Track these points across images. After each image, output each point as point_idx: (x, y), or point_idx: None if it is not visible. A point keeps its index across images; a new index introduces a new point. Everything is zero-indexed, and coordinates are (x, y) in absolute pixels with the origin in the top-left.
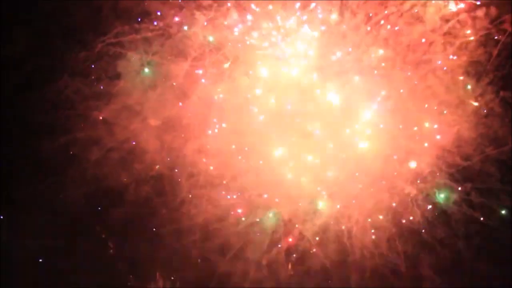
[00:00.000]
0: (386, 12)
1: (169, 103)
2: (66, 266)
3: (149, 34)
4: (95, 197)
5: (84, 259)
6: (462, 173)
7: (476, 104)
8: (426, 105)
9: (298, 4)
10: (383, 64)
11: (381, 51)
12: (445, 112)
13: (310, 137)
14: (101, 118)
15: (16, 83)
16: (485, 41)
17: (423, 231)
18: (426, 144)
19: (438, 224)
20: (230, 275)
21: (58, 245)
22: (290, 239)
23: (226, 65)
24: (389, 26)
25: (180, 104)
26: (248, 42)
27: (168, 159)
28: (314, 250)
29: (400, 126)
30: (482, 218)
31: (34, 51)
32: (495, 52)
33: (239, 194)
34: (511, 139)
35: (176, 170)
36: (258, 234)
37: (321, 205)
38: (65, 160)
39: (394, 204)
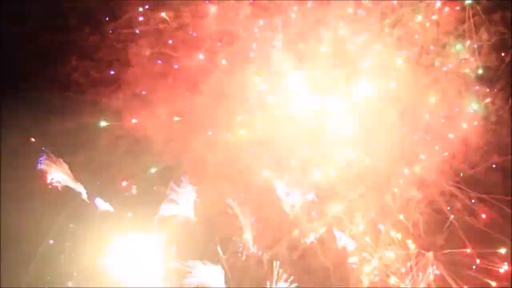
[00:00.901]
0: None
1: (179, 93)
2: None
3: (161, 24)
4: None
5: None
6: (466, 180)
7: (485, 109)
8: (435, 108)
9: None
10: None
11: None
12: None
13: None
14: (109, 104)
15: (26, 61)
16: (499, 46)
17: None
18: (432, 149)
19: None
20: None
21: None
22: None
23: (238, 58)
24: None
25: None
26: (261, 35)
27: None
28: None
29: (404, 129)
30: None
31: (45, 30)
32: (507, 58)
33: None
34: None
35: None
36: None
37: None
38: (72, 145)
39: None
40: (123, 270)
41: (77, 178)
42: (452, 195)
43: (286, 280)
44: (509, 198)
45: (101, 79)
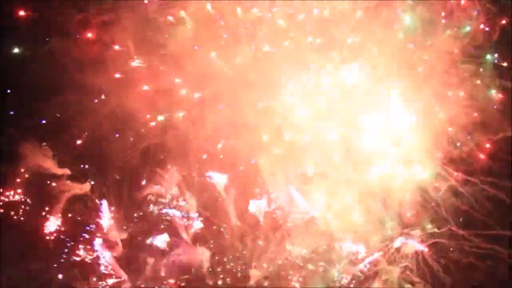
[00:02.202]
0: None
1: (163, 72)
2: None
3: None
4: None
5: None
6: (453, 160)
7: (474, 89)
8: (426, 87)
9: None
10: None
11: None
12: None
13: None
14: (93, 84)
15: (10, 42)
16: (489, 26)
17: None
18: (419, 128)
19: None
20: None
21: None
22: None
23: (224, 36)
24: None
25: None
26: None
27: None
28: None
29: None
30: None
31: (27, 10)
32: (495, 36)
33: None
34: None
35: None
36: None
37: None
38: (58, 125)
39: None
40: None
41: (61, 161)
42: (438, 175)
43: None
44: (494, 179)
45: (84, 59)
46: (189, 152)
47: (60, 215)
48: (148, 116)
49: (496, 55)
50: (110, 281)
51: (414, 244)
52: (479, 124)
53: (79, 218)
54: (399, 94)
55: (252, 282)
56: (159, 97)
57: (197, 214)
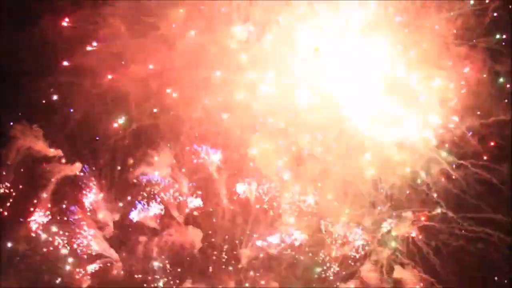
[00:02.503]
0: None
1: (156, 51)
2: None
3: None
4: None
5: None
6: (445, 143)
7: (465, 72)
8: (416, 69)
9: None
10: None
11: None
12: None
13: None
14: (85, 65)
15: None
16: (480, 8)
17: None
18: (411, 111)
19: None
20: None
21: None
22: None
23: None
24: None
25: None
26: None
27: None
28: None
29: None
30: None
31: None
32: (487, 19)
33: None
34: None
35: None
36: None
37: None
38: (49, 106)
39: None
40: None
41: (52, 142)
42: (430, 158)
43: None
44: (486, 162)
45: (75, 38)
46: (181, 133)
47: (51, 196)
48: (140, 97)
49: (488, 38)
50: (102, 262)
51: (404, 227)
52: (471, 108)
53: (70, 199)
54: (391, 77)
55: (243, 262)
56: (151, 78)
57: (189, 195)
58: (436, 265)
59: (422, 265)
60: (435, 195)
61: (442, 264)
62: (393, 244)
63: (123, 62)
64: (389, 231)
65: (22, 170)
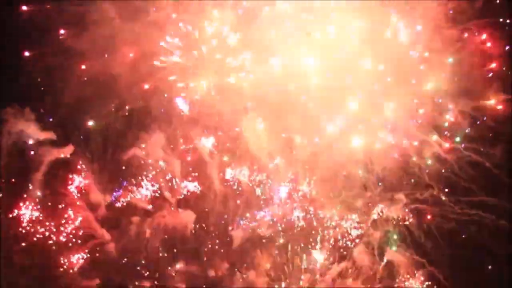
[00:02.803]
0: None
1: (147, 37)
2: None
3: None
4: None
5: None
6: (437, 127)
7: (459, 55)
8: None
9: None
10: None
11: None
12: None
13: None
14: (76, 48)
15: None
16: None
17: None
18: (402, 94)
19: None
20: None
21: None
22: None
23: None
24: None
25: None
26: None
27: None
28: None
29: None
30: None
31: None
32: (479, 3)
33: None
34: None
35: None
36: None
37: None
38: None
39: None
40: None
41: (45, 124)
42: (422, 141)
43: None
44: (478, 145)
45: (66, 20)
46: (173, 116)
47: (42, 178)
48: (132, 80)
49: (480, 21)
50: (93, 243)
51: (396, 209)
52: (463, 91)
53: (62, 182)
54: (383, 60)
55: (235, 244)
56: (142, 62)
57: (181, 177)
58: (428, 248)
59: (414, 247)
60: (427, 178)
61: (434, 246)
62: (385, 226)
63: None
64: (381, 213)
65: (13, 152)
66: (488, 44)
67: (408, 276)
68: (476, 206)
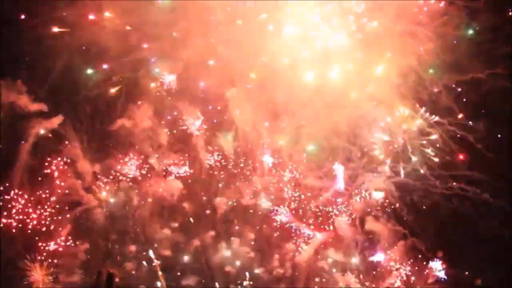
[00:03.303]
0: None
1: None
2: None
3: None
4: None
5: None
6: (422, 100)
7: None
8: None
9: None
10: None
11: None
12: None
13: None
14: (65, 18)
15: None
16: None
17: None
18: (389, 68)
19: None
20: None
21: None
22: None
23: None
24: None
25: None
26: None
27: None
28: None
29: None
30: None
31: None
32: None
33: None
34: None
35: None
36: None
37: None
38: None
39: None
40: None
41: (35, 96)
42: (406, 115)
43: None
44: (462, 120)
45: None
46: (161, 87)
47: (33, 149)
48: (121, 51)
49: None
50: (83, 208)
51: (379, 182)
52: (448, 64)
53: (52, 151)
54: (370, 33)
55: (220, 211)
56: (131, 32)
57: (168, 147)
58: (409, 219)
59: (396, 219)
60: (410, 151)
61: (417, 218)
62: (368, 198)
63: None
64: (364, 185)
65: (5, 123)
66: (474, 18)
67: (389, 246)
68: (459, 180)
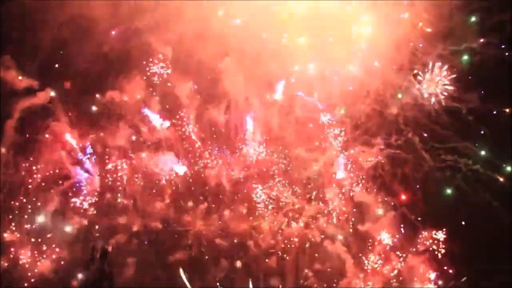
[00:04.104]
0: None
1: None
2: None
3: None
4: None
5: None
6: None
7: None
8: None
9: None
10: None
11: None
12: None
13: None
14: None
15: None
16: None
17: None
18: (383, 36)
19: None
20: None
21: None
22: None
23: None
24: None
25: None
26: None
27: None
28: None
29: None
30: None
31: None
32: None
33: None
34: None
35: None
36: None
37: None
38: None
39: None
40: None
41: (25, 71)
42: (400, 86)
43: None
44: (455, 90)
45: None
46: (152, 59)
47: (22, 125)
48: (112, 22)
49: None
50: (71, 182)
51: (371, 153)
52: (442, 33)
53: (39, 126)
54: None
55: (211, 184)
56: (120, 5)
57: (159, 121)
58: (400, 191)
59: (386, 191)
60: (403, 123)
61: (407, 190)
62: (358, 171)
63: None
64: (355, 157)
65: None
66: None
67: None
68: (451, 152)
